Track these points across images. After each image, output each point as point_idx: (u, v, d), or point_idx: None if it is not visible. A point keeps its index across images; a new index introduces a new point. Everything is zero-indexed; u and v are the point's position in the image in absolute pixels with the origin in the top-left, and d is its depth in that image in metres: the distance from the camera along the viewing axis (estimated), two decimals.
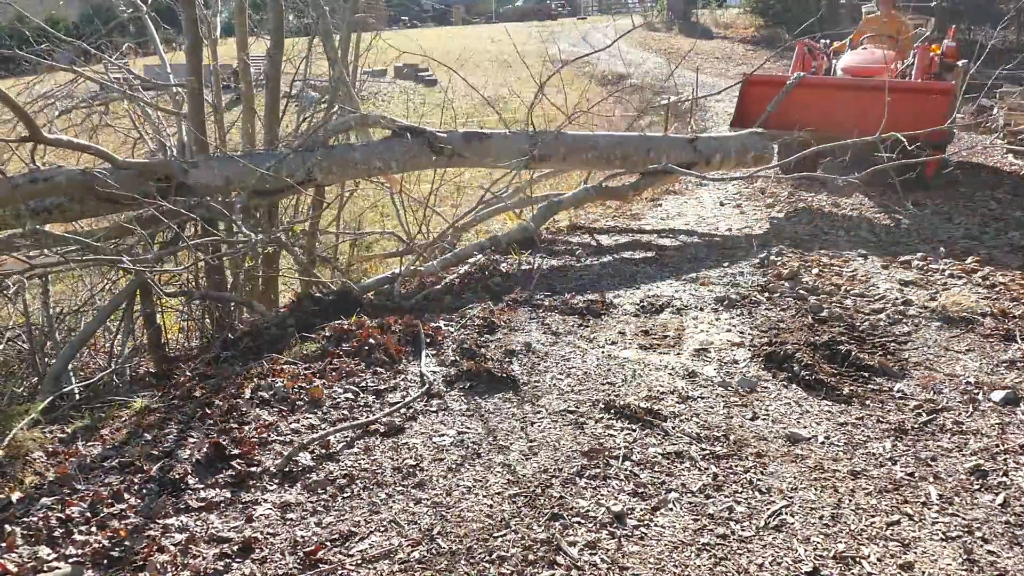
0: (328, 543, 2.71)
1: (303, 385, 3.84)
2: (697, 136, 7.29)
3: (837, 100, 7.70)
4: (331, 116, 6.37)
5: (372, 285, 5.50)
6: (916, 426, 3.52)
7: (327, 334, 4.43)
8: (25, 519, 2.81)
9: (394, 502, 2.95)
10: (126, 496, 2.96)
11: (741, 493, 3.00)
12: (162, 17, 7.27)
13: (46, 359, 5.11)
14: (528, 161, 6.40)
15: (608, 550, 2.67)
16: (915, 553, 2.67)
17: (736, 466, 3.18)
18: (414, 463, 3.21)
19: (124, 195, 4.60)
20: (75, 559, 2.62)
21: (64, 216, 5.02)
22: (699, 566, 2.60)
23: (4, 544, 2.66)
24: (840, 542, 2.71)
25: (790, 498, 2.97)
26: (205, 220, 5.13)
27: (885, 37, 9.37)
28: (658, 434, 3.42)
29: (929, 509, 2.91)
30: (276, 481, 3.08)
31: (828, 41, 10.12)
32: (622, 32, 8.10)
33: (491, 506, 2.91)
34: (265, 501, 2.95)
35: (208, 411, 3.61)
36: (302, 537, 2.74)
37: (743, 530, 2.78)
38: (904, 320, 4.70)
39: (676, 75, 10.32)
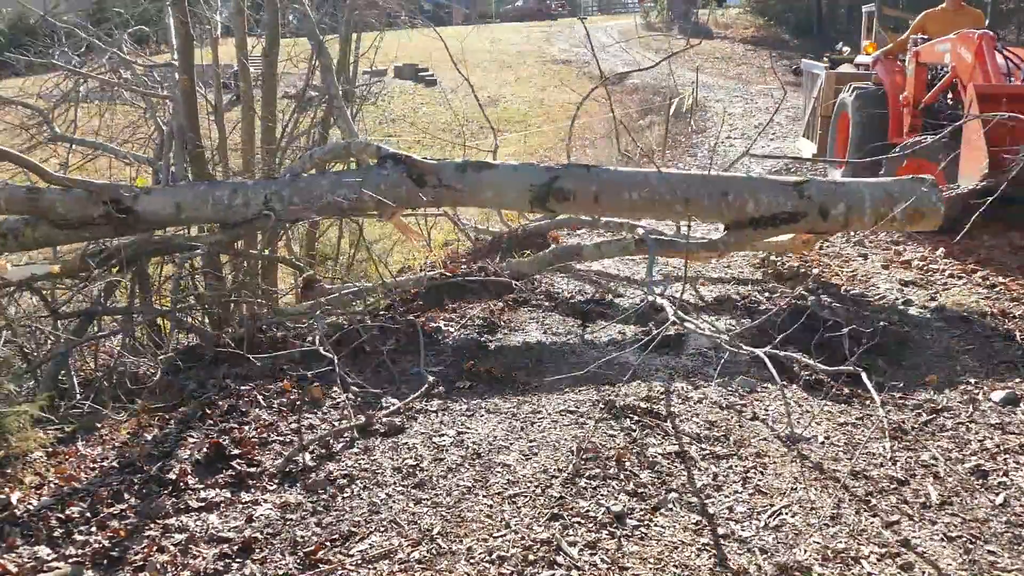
0: (328, 543, 2.71)
1: (303, 385, 3.84)
2: (809, 179, 5.04)
3: None
4: (321, 141, 6.01)
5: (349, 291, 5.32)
6: (916, 426, 3.52)
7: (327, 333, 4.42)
8: (25, 519, 2.81)
9: (394, 502, 2.94)
10: (126, 496, 2.96)
11: (741, 493, 3.00)
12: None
13: (45, 359, 5.09)
14: (544, 201, 4.87)
15: (608, 550, 2.66)
16: (915, 553, 2.66)
17: (736, 466, 3.18)
18: (414, 463, 3.21)
19: (73, 220, 4.26)
20: (75, 559, 2.62)
21: (19, 244, 4.64)
22: (699, 566, 2.60)
23: (4, 544, 2.66)
24: (840, 542, 2.71)
25: (790, 498, 2.97)
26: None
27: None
28: (658, 434, 3.42)
29: (929, 509, 2.91)
30: (276, 481, 3.08)
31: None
32: (657, 48, 8.05)
33: (491, 506, 2.91)
34: (265, 501, 2.95)
35: (208, 411, 3.61)
36: (302, 537, 2.74)
37: (743, 530, 2.78)
38: (904, 320, 4.70)
39: (677, 75, 10.33)
